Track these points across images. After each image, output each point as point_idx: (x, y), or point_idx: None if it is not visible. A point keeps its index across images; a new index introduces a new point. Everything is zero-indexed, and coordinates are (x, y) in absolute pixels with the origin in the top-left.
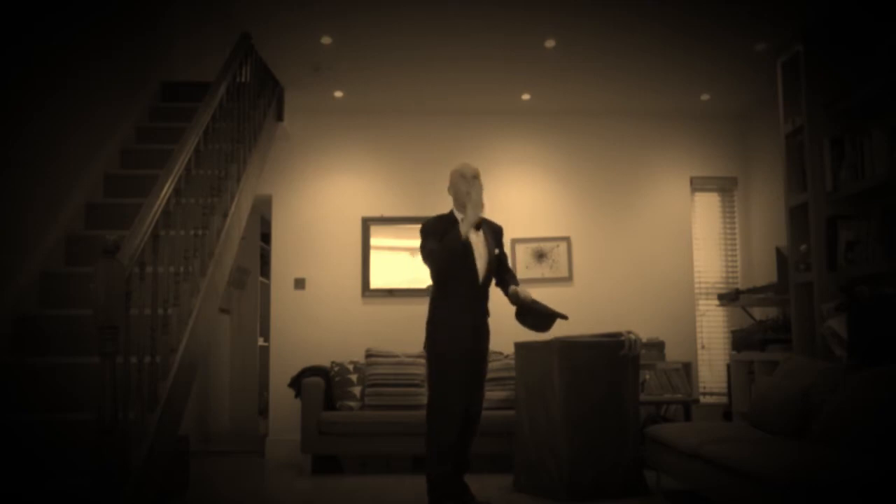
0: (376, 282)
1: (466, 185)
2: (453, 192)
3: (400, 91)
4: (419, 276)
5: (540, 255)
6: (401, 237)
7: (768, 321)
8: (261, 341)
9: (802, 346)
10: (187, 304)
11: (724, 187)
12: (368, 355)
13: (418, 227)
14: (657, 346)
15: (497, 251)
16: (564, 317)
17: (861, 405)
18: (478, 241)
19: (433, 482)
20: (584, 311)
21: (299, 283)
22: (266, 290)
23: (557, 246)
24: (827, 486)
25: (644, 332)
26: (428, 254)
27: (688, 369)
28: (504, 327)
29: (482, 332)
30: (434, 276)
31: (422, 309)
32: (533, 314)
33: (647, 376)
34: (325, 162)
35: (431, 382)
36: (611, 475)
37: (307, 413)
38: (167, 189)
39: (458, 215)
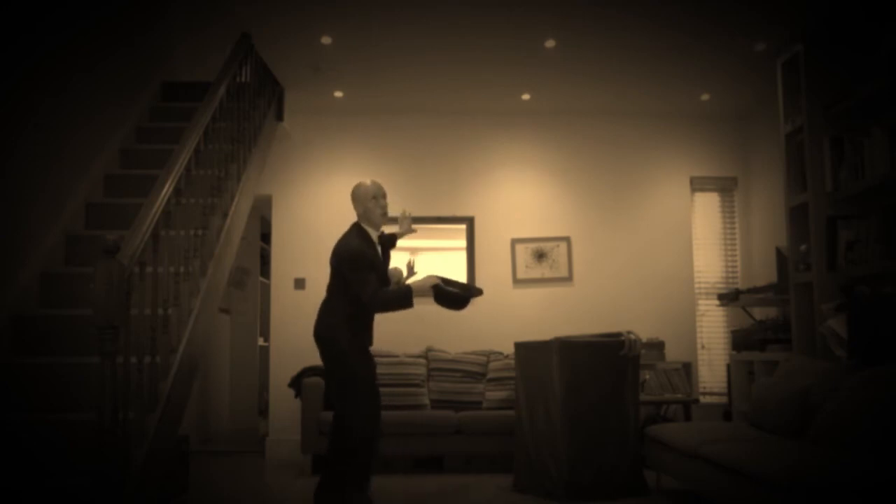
0: None
1: (380, 207)
2: (363, 210)
3: (400, 91)
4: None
5: (540, 255)
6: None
7: (768, 321)
8: (261, 341)
9: (802, 346)
10: (187, 304)
11: (724, 187)
12: None
13: (419, 227)
14: (657, 346)
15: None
16: (479, 292)
17: (861, 405)
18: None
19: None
20: (584, 311)
21: (299, 283)
22: (266, 290)
23: (557, 246)
24: (827, 486)
25: (644, 332)
26: (378, 299)
27: (688, 369)
28: (504, 327)
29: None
30: (366, 310)
31: (423, 309)
32: (450, 295)
33: (647, 376)
34: (326, 162)
35: (349, 404)
36: (611, 475)
37: (307, 413)
38: (167, 189)
39: (372, 233)
